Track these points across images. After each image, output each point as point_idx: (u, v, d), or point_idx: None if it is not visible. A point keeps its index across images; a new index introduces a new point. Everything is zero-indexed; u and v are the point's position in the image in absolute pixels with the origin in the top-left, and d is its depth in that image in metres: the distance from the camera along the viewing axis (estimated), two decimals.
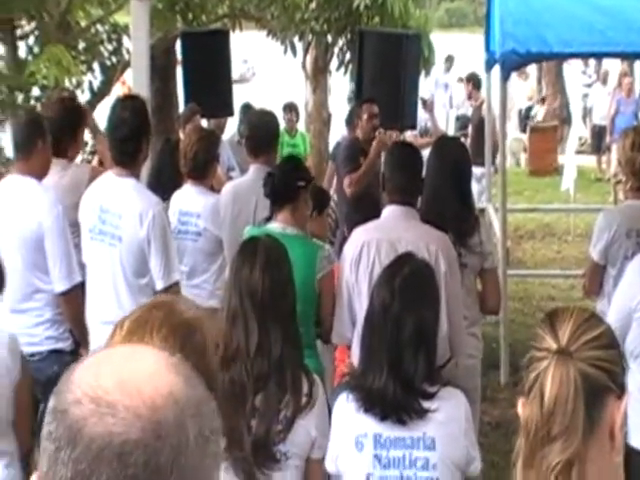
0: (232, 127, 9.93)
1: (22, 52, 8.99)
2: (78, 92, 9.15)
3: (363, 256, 4.27)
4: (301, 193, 4.55)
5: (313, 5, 11.85)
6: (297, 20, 11.75)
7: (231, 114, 9.29)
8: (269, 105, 8.36)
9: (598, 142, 17.48)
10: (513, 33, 6.61)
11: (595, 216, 5.77)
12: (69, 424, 1.05)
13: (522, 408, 1.76)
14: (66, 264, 4.60)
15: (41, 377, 4.07)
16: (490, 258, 4.86)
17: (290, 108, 12.34)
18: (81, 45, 9.53)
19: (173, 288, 4.47)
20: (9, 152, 7.39)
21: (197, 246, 5.49)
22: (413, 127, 9.47)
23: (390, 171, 4.54)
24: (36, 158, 4.75)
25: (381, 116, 7.40)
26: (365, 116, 7.36)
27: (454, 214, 4.70)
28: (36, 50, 8.92)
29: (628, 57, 10.62)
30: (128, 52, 9.03)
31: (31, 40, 9.14)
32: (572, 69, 21.33)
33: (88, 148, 8.65)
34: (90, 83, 9.62)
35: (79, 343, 4.72)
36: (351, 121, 7.96)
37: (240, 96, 10.59)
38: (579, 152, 16.12)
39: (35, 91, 8.74)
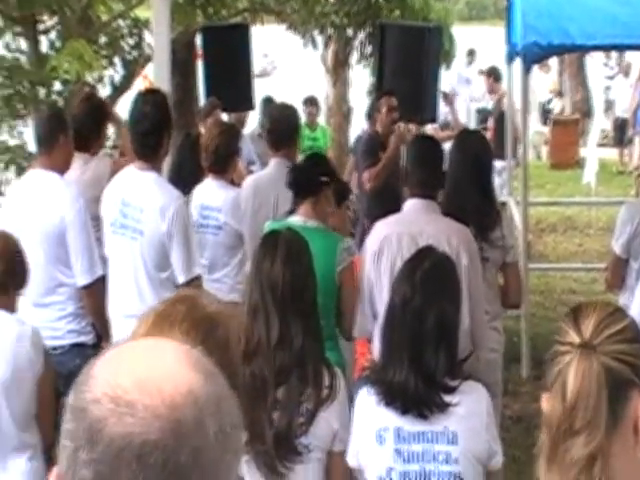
0: (253, 121, 9.93)
1: (44, 47, 9.02)
2: (99, 87, 9.19)
3: (384, 250, 4.27)
4: (323, 188, 4.55)
5: None
6: (317, 14, 11.75)
7: (252, 108, 9.30)
8: (290, 99, 8.35)
9: (620, 135, 17.37)
10: (535, 25, 6.58)
11: (617, 209, 5.74)
12: (88, 423, 1.03)
13: (545, 403, 1.75)
14: (88, 258, 4.63)
15: (63, 370, 4.09)
16: (512, 252, 4.85)
17: (310, 102, 12.33)
18: (102, 40, 9.56)
19: (194, 282, 4.47)
20: (31, 147, 7.42)
21: (218, 240, 5.50)
22: (433, 120, 9.44)
23: (411, 165, 4.54)
24: (58, 152, 4.78)
25: (401, 109, 7.38)
26: (384, 109, 7.34)
27: (475, 208, 4.69)
28: (58, 45, 8.95)
29: None
30: (149, 46, 9.05)
31: (53, 35, 9.17)
32: (594, 61, 21.19)
33: (109, 142, 8.68)
34: (111, 78, 9.65)
35: (101, 337, 4.75)
36: (371, 114, 7.95)
37: (261, 90, 10.60)
38: (601, 145, 16.04)
39: (57, 86, 8.77)
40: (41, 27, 8.99)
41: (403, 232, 4.28)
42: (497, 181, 8.72)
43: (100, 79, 9.33)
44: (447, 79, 14.34)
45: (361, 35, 12.25)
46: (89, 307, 4.69)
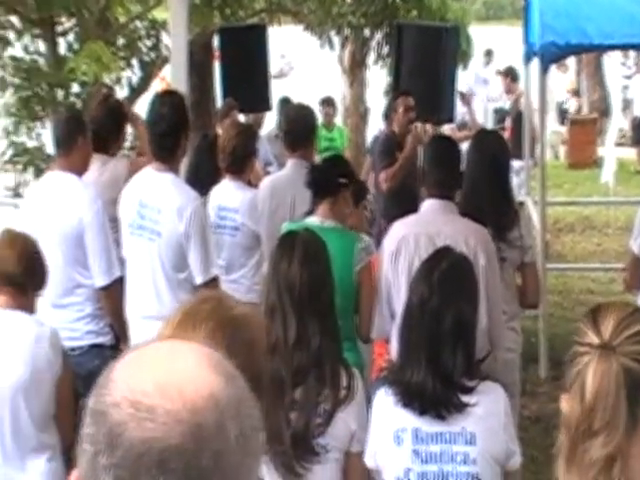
0: (270, 122, 9.94)
1: (62, 49, 9.05)
2: (117, 88, 9.20)
3: (402, 250, 4.27)
4: (342, 190, 4.56)
5: None
6: (334, 14, 11.74)
7: (269, 109, 9.30)
8: (306, 99, 8.35)
9: (638, 134, 17.28)
10: (552, 25, 6.56)
11: (635, 209, 5.72)
12: (108, 428, 1.03)
13: (564, 403, 1.75)
14: (106, 259, 4.64)
15: (82, 371, 4.11)
16: (530, 252, 4.83)
17: (327, 102, 12.33)
18: (120, 41, 9.58)
19: (212, 283, 4.48)
20: (50, 148, 7.45)
21: (235, 241, 5.51)
22: (451, 120, 9.42)
23: (428, 165, 4.54)
24: (76, 154, 4.80)
25: (418, 109, 7.37)
26: (401, 109, 7.33)
27: (493, 208, 4.68)
28: (76, 47, 8.98)
29: None
30: (167, 48, 9.07)
31: (71, 37, 9.20)
32: (611, 61, 21.10)
33: (127, 143, 8.71)
34: (129, 79, 9.68)
35: (119, 338, 4.76)
36: (388, 115, 7.94)
37: (278, 91, 10.61)
38: (619, 144, 15.97)
39: (75, 88, 8.80)
40: (59, 29, 9.02)
41: (421, 232, 4.27)
42: (515, 181, 8.69)
43: (118, 80, 9.35)
44: (464, 79, 14.32)
45: (378, 35, 12.23)
46: (107, 308, 4.71)
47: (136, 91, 9.65)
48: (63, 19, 9.14)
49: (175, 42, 6.35)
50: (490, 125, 14.84)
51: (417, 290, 3.21)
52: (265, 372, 1.85)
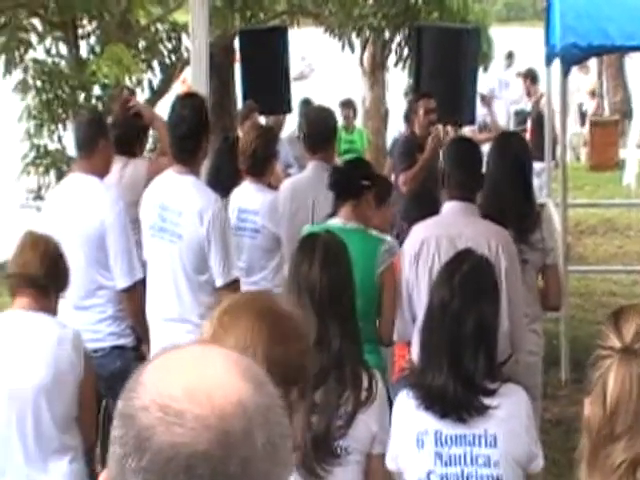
0: (291, 124, 9.95)
1: (84, 51, 9.10)
2: (138, 90, 9.24)
3: (423, 253, 4.26)
4: (364, 192, 4.56)
5: (371, 1, 11.82)
6: (355, 16, 11.73)
7: (289, 111, 9.31)
8: (327, 102, 8.36)
9: None
10: (574, 26, 6.52)
11: None
12: (137, 431, 1.03)
13: (586, 407, 1.74)
14: (127, 261, 4.66)
15: (104, 373, 4.12)
16: (552, 254, 4.82)
17: (347, 104, 12.33)
18: (141, 44, 9.62)
19: (233, 285, 4.49)
20: (71, 151, 7.49)
21: (255, 243, 5.51)
22: (472, 122, 9.40)
23: (449, 167, 4.53)
24: (98, 157, 4.82)
25: (439, 111, 7.35)
26: (421, 111, 7.31)
27: (515, 210, 4.66)
28: (97, 49, 9.03)
29: None
30: (187, 50, 9.09)
31: (92, 39, 9.25)
32: (633, 62, 20.99)
33: (148, 145, 8.74)
34: (150, 81, 9.71)
35: (141, 339, 4.78)
36: (409, 116, 7.93)
37: (298, 93, 10.62)
38: None
39: (96, 90, 8.85)
40: (81, 32, 9.07)
41: (442, 235, 4.27)
42: (536, 183, 8.65)
43: (139, 83, 9.39)
44: (485, 81, 14.28)
45: (398, 37, 12.21)
46: (129, 310, 4.73)
47: (157, 93, 9.69)
48: (85, 22, 9.19)
49: (196, 44, 6.36)
50: (511, 127, 14.78)
51: (438, 293, 3.21)
52: (310, 364, 1.82)
